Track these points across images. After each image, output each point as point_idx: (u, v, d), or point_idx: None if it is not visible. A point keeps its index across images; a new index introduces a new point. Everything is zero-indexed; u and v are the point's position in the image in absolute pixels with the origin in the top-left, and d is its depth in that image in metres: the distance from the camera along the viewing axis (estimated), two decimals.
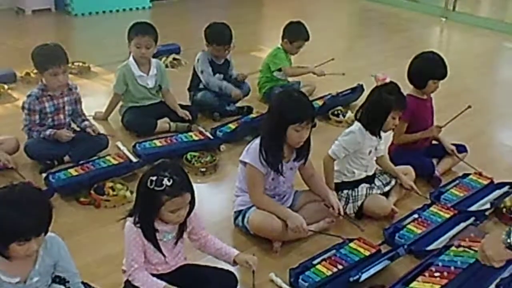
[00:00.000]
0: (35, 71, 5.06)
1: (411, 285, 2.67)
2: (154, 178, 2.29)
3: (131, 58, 4.31)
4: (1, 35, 6.70)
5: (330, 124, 4.66)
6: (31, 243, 2.04)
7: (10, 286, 2.14)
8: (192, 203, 2.43)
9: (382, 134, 3.41)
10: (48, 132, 3.67)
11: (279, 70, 4.95)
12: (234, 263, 2.60)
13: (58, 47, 3.69)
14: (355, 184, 3.38)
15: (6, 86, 4.91)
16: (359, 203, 3.34)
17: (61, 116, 3.78)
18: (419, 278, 2.71)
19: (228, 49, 4.62)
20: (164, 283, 2.38)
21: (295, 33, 4.92)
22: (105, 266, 2.81)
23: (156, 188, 2.28)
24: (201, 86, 4.66)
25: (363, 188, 3.37)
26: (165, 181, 2.28)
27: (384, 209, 3.33)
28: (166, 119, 4.39)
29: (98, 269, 2.79)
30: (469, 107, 3.83)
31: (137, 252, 2.40)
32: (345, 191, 3.36)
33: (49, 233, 2.19)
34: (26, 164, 3.74)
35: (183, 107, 4.48)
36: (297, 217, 2.96)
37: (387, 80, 4.50)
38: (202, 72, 4.62)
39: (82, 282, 2.43)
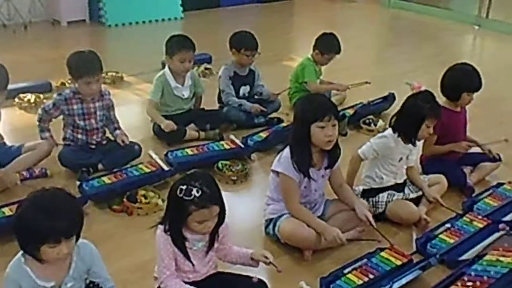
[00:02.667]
0: (70, 80, 5.17)
1: None
2: (184, 187, 2.31)
3: (167, 69, 4.35)
4: (37, 47, 6.86)
5: (361, 133, 4.65)
6: (62, 245, 2.07)
7: None
8: (221, 216, 2.43)
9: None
10: (44, 135, 3.80)
11: (306, 82, 4.96)
12: (253, 260, 2.59)
13: (94, 56, 3.74)
14: (381, 190, 3.37)
15: (41, 96, 5.01)
16: (380, 210, 3.33)
17: (93, 121, 3.81)
18: None
19: (254, 55, 4.63)
20: None
21: (328, 46, 4.91)
22: (137, 272, 2.84)
23: (185, 198, 2.30)
24: None
25: (384, 194, 3.35)
26: (194, 192, 2.29)
27: (411, 214, 3.30)
28: (194, 126, 4.43)
29: (130, 275, 2.82)
30: (506, 140, 3.84)
31: (168, 259, 2.42)
32: (370, 198, 3.36)
33: (81, 240, 2.24)
34: (60, 172, 3.81)
35: (212, 111, 4.60)
36: (333, 229, 2.96)
37: (422, 89, 4.47)
38: (223, 91, 4.66)
39: None
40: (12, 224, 2.14)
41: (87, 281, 2.31)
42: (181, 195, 2.30)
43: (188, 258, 2.45)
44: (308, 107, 2.98)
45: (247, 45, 4.57)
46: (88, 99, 3.76)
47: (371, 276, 2.77)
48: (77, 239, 2.17)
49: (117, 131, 3.93)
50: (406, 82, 5.02)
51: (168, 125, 4.22)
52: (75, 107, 3.75)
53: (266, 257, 2.55)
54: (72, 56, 3.73)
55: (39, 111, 3.82)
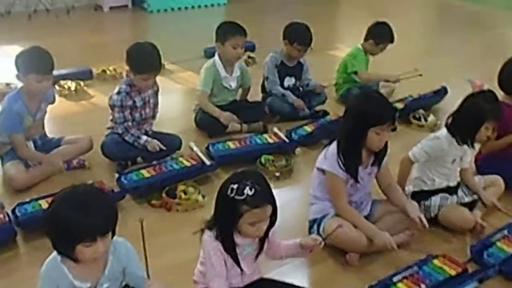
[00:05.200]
0: (111, 68, 5.10)
1: None
2: (235, 186, 2.15)
3: (217, 58, 4.22)
4: (79, 32, 6.81)
5: (411, 128, 4.44)
6: (98, 244, 1.97)
7: None
8: (273, 217, 2.28)
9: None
10: (142, 141, 3.65)
11: (356, 72, 4.76)
12: (302, 249, 2.44)
13: (156, 53, 3.63)
14: (432, 193, 3.19)
15: (82, 83, 4.94)
16: (432, 214, 3.15)
17: (147, 110, 3.76)
18: None
19: (306, 50, 4.47)
20: None
21: (383, 35, 4.75)
22: (174, 274, 2.71)
23: (237, 197, 2.14)
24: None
25: (437, 198, 3.17)
26: (247, 190, 2.13)
27: (465, 221, 3.11)
28: (236, 118, 4.29)
29: (167, 277, 2.67)
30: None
31: (220, 266, 2.27)
32: (421, 202, 3.17)
33: (116, 237, 2.13)
34: (99, 164, 3.72)
35: (255, 103, 4.46)
36: (383, 235, 2.79)
37: (484, 87, 4.21)
38: (267, 78, 4.52)
39: None
40: (44, 223, 2.04)
41: (123, 284, 2.20)
42: (232, 194, 2.15)
43: (238, 264, 2.31)
44: (371, 110, 2.78)
45: (300, 40, 4.40)
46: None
47: (423, 286, 2.60)
48: (112, 236, 2.07)
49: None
50: (467, 80, 4.75)
51: (227, 117, 4.13)
52: (136, 99, 3.66)
53: (315, 239, 2.41)
54: (134, 49, 3.62)
55: (120, 126, 3.65)
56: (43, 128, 3.73)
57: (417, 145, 3.20)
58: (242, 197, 2.13)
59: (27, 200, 3.16)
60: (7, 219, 2.98)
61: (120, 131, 3.65)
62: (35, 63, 3.37)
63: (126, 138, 3.65)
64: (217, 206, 2.27)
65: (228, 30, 4.16)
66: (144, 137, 3.66)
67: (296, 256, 2.49)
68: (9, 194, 3.37)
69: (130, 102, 3.62)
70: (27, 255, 2.86)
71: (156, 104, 3.87)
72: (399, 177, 3.22)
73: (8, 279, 2.73)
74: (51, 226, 1.98)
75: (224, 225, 2.24)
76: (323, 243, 2.40)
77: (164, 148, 3.68)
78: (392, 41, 4.76)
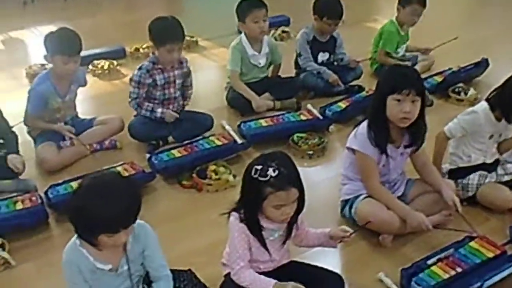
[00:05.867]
0: (144, 46, 5.07)
1: None
2: (259, 167, 2.11)
3: (243, 36, 4.15)
4: (111, 10, 6.81)
5: (449, 102, 4.29)
6: (120, 235, 1.96)
7: (103, 273, 2.10)
8: (301, 202, 2.22)
9: None
10: (158, 113, 3.62)
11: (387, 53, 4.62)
12: (331, 240, 2.39)
13: (177, 23, 3.61)
14: (469, 171, 3.07)
15: (115, 62, 4.93)
16: (470, 193, 3.04)
17: (171, 90, 3.71)
18: None
19: (337, 24, 4.34)
20: (273, 281, 2.20)
21: None
22: (204, 255, 2.68)
23: (260, 178, 2.10)
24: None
25: (475, 176, 3.05)
26: (270, 171, 2.08)
27: (505, 200, 2.99)
28: (269, 95, 4.21)
29: (197, 258, 2.67)
30: None
31: (242, 249, 2.24)
32: (458, 180, 3.06)
33: (138, 221, 2.11)
34: (130, 144, 3.71)
35: (288, 79, 4.37)
36: (416, 215, 2.70)
37: None
38: (300, 55, 4.42)
39: (188, 270, 2.37)
40: (68, 208, 2.02)
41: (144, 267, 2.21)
42: (256, 175, 2.10)
43: (265, 247, 2.27)
44: (387, 77, 2.77)
45: (330, 14, 4.28)
46: (168, 68, 3.64)
47: (459, 270, 2.50)
48: (133, 222, 2.04)
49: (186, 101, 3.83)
50: None
51: (261, 106, 4.07)
52: (157, 77, 3.63)
53: (346, 231, 2.35)
54: (154, 22, 3.61)
55: (131, 102, 3.65)
56: (75, 109, 3.73)
57: (453, 120, 3.08)
58: (266, 179, 2.09)
59: (59, 182, 3.17)
60: (39, 201, 3.00)
61: (132, 106, 3.65)
62: (62, 44, 3.36)
63: (142, 113, 3.63)
64: (243, 187, 2.23)
65: (246, 6, 4.07)
66: (160, 109, 3.63)
67: (324, 245, 2.43)
68: (42, 176, 3.39)
69: (149, 80, 3.59)
70: (59, 237, 2.86)
71: (188, 86, 3.83)
72: (435, 154, 3.11)
73: (39, 261, 2.75)
74: (75, 213, 1.97)
75: (249, 207, 2.20)
76: (353, 235, 2.34)
77: (177, 115, 3.65)
78: (421, 2, 4.51)
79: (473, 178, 3.05)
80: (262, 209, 2.18)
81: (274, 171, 2.09)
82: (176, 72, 3.69)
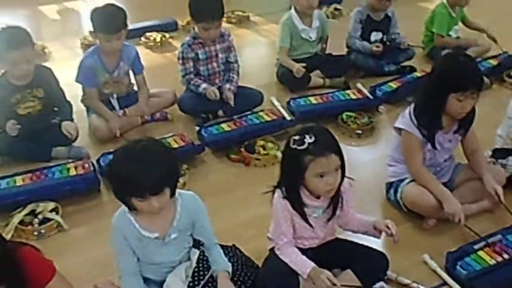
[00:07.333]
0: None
1: None
2: (296, 137, 2.13)
3: (292, 11, 4.14)
4: None
5: (504, 87, 4.20)
6: (151, 200, 1.97)
7: (149, 241, 2.13)
8: (342, 170, 2.20)
9: None
10: (201, 88, 3.64)
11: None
12: (375, 230, 2.36)
13: (216, 0, 3.58)
14: (510, 152, 3.01)
15: (167, 35, 4.98)
16: (507, 174, 2.94)
17: (214, 64, 3.73)
18: None
19: (390, 0, 4.28)
20: (312, 264, 2.21)
21: None
22: (250, 229, 2.73)
23: (298, 148, 2.10)
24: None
25: None
26: (307, 139, 2.09)
27: None
28: (319, 73, 4.19)
29: (243, 232, 2.71)
30: None
31: (285, 225, 2.26)
32: (499, 160, 3.00)
33: (187, 191, 2.17)
34: (181, 116, 3.76)
35: (339, 57, 4.33)
36: (455, 203, 2.64)
37: None
38: (349, 33, 4.40)
39: (232, 246, 2.40)
40: (106, 171, 2.09)
41: (191, 236, 2.23)
42: (294, 146, 2.12)
43: (307, 222, 2.27)
44: (453, 73, 2.63)
45: None
46: (209, 42, 3.66)
47: (506, 257, 2.47)
48: (173, 192, 2.07)
49: (227, 85, 3.75)
50: None
51: (299, 69, 4.02)
52: (199, 52, 3.65)
53: (389, 227, 2.31)
54: None
55: (183, 79, 3.72)
56: (128, 86, 3.75)
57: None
58: (304, 146, 2.09)
59: (111, 150, 3.24)
60: (92, 168, 3.09)
61: (183, 84, 3.69)
62: (103, 22, 3.38)
63: (192, 88, 3.67)
64: (282, 161, 2.25)
65: None
66: (204, 85, 3.64)
67: (368, 233, 2.40)
68: (95, 144, 3.48)
69: (192, 55, 3.62)
70: (110, 204, 2.92)
71: (233, 63, 3.81)
72: None
73: (89, 226, 2.84)
74: (110, 175, 2.05)
75: (291, 180, 2.21)
76: (396, 238, 2.29)
77: (217, 93, 3.62)
78: None
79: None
80: (304, 182, 2.18)
81: (310, 137, 2.09)
82: (218, 46, 3.70)
